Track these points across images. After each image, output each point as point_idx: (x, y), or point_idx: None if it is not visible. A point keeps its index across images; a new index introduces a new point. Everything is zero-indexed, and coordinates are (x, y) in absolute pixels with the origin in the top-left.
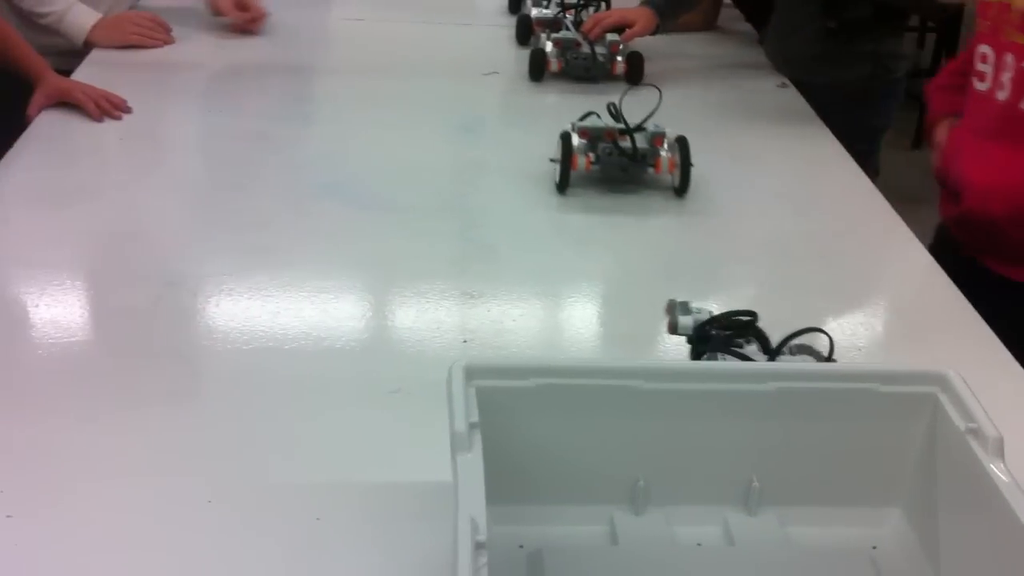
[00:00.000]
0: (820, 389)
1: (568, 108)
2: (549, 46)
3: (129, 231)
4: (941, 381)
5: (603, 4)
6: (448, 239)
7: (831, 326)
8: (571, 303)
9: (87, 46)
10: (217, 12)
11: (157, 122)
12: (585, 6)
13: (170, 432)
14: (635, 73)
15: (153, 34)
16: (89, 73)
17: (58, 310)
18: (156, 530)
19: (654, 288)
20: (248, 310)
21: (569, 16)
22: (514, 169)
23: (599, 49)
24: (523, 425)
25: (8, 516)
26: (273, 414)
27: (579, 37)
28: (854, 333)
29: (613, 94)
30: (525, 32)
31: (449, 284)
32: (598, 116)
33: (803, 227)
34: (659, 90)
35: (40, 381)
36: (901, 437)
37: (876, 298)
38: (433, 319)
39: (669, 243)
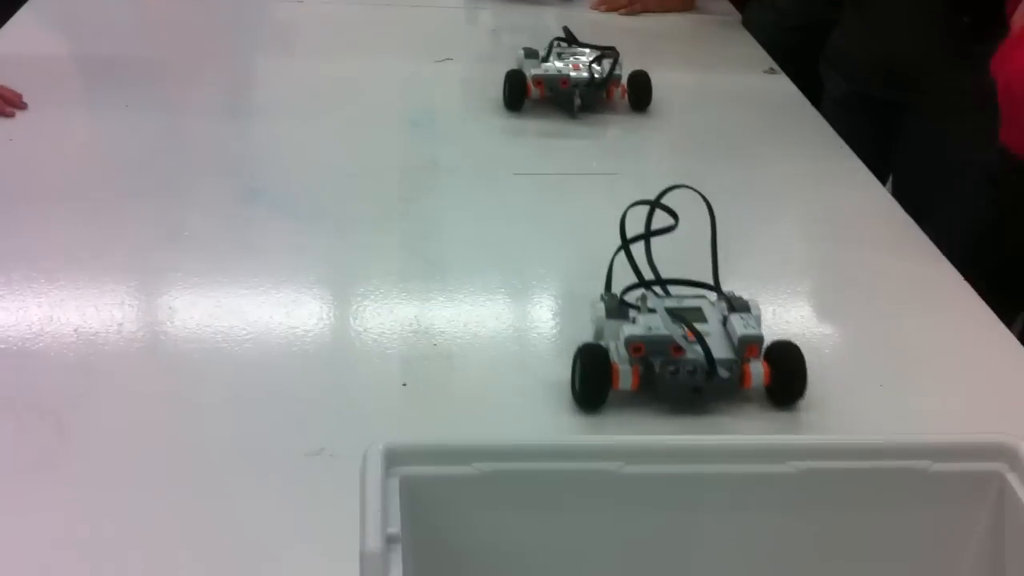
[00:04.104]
0: (855, 469)
1: None
2: None
3: (8, 246)
4: (1008, 455)
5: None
6: (391, 254)
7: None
8: (543, 323)
9: None
10: None
11: (55, 119)
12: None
13: None
14: None
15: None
16: None
17: None
18: None
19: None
20: (144, 347)
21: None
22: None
23: None
24: (465, 526)
25: None
26: (157, 483)
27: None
28: (901, 400)
29: None
30: None
31: (389, 312)
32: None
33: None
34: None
35: None
36: (958, 527)
37: (917, 339)
38: (370, 354)
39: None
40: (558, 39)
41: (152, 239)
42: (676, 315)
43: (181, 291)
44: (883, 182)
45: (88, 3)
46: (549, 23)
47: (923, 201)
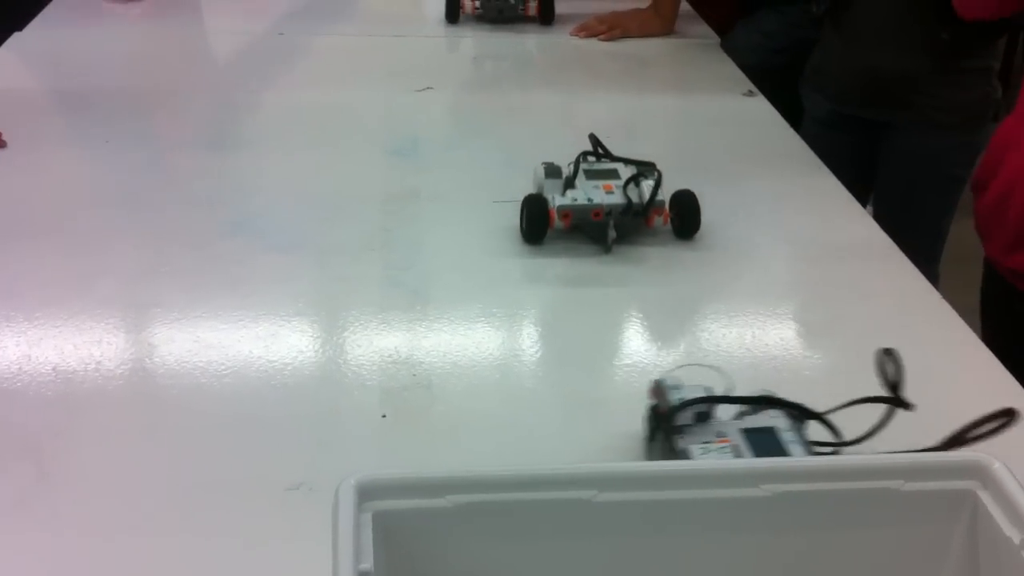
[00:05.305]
0: (828, 491)
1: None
2: None
3: None
4: (981, 473)
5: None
6: (372, 284)
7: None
8: (523, 352)
9: None
10: None
11: (35, 155)
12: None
13: None
14: None
15: None
16: None
17: None
18: None
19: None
20: (123, 384)
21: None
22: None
23: None
24: (440, 558)
25: None
26: (136, 520)
27: None
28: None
29: None
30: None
31: (369, 343)
32: None
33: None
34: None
35: None
36: (933, 546)
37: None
38: (350, 385)
39: (669, 283)
40: (585, 153)
41: (132, 274)
42: None
43: (161, 326)
44: (865, 199)
45: (67, 39)
46: (530, 49)
47: (904, 217)
